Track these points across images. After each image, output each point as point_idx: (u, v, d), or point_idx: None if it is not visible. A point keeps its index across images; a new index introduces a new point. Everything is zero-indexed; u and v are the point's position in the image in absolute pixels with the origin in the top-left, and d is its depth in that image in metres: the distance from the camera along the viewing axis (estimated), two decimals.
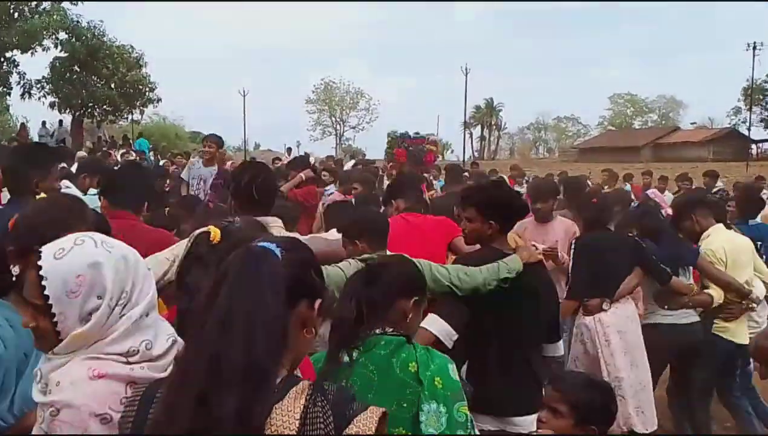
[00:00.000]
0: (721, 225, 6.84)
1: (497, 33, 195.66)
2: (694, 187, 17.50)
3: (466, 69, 69.46)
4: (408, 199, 6.23)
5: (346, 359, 2.91)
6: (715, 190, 16.89)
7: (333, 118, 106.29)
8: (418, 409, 2.79)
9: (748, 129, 65.71)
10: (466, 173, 15.93)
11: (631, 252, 6.17)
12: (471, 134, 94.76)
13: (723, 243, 6.55)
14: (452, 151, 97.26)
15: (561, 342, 5.03)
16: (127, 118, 48.93)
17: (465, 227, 4.84)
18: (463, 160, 55.63)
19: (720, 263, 6.45)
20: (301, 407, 1.88)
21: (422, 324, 4.27)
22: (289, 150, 39.11)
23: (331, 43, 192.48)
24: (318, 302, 2.12)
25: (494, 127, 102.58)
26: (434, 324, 4.29)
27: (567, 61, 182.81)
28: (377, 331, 2.95)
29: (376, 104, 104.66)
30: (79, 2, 38.83)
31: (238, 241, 2.73)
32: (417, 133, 22.39)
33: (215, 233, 3.15)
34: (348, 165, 21.97)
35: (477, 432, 3.11)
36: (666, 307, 6.32)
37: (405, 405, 2.82)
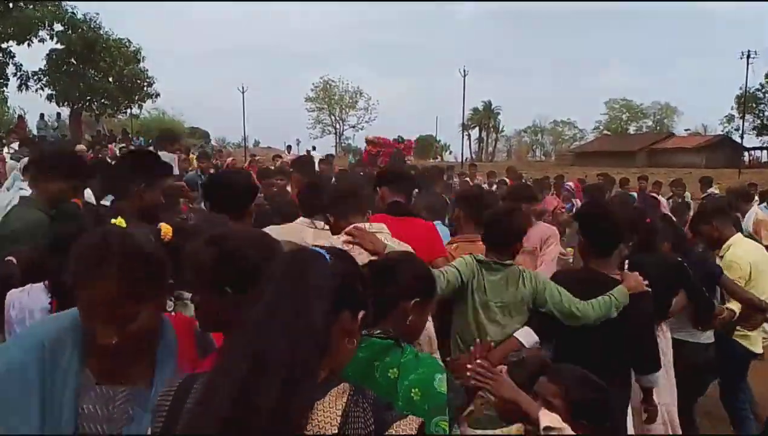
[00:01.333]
0: (740, 234, 6.90)
1: (496, 36, 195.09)
2: (687, 192, 17.77)
3: (464, 71, 69.52)
4: (393, 190, 5.90)
5: None
6: (706, 195, 17.17)
7: (332, 117, 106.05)
8: None
9: (741, 136, 65.74)
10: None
11: (675, 275, 5.97)
12: (469, 136, 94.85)
13: (747, 254, 6.59)
14: (450, 153, 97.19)
15: (657, 375, 4.99)
16: (125, 112, 48.28)
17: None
18: (462, 162, 55.69)
19: (742, 272, 6.50)
20: (343, 405, 1.90)
21: (516, 335, 4.59)
22: (289, 148, 38.81)
23: (331, 43, 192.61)
24: (361, 313, 2.11)
25: (492, 129, 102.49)
26: (527, 337, 4.57)
27: (564, 65, 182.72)
28: (365, 332, 2.67)
29: (375, 104, 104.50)
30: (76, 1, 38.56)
31: (191, 237, 2.90)
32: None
33: (166, 230, 3.15)
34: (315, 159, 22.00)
35: None
36: (700, 328, 6.29)
37: None
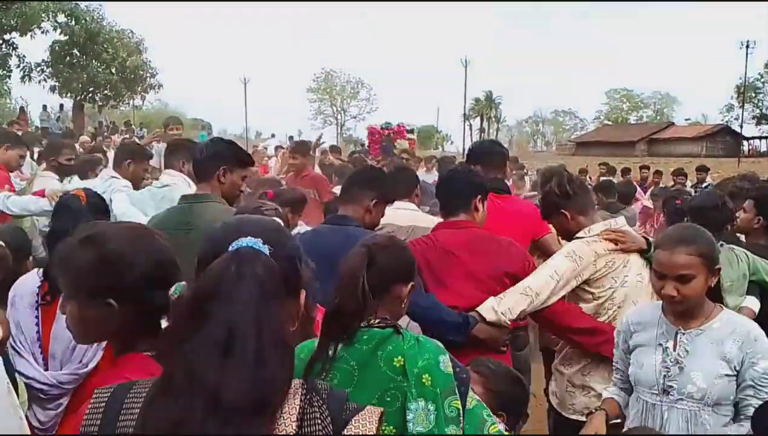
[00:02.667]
0: None
1: (497, 24, 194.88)
2: (688, 182, 17.62)
3: (465, 61, 69.37)
4: (488, 168, 5.67)
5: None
6: (705, 184, 17.03)
7: (334, 108, 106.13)
8: (404, 405, 2.56)
9: (740, 126, 65.67)
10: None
11: None
12: (471, 126, 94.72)
13: None
14: (452, 143, 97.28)
15: None
16: (128, 103, 47.66)
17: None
18: (463, 152, 55.49)
19: None
20: (297, 407, 1.73)
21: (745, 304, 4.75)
22: (291, 138, 38.58)
23: (332, 32, 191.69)
24: (303, 293, 1.94)
25: (493, 119, 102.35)
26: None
27: (566, 54, 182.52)
28: (363, 324, 2.66)
29: (376, 95, 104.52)
30: None
31: None
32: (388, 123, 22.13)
33: (82, 195, 3.38)
34: (270, 147, 21.53)
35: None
36: None
37: (389, 399, 2.58)
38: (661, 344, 3.46)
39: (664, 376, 3.41)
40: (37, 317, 3.28)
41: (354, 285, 2.66)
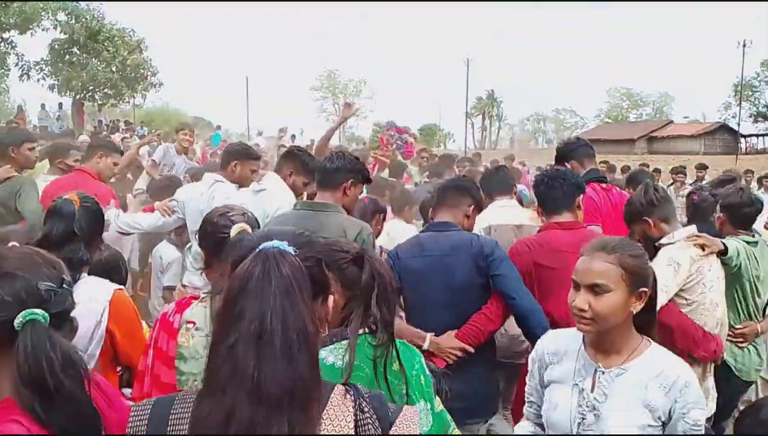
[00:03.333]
0: None
1: (498, 24, 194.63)
2: (688, 179, 17.56)
3: (467, 60, 69.27)
4: (581, 160, 6.00)
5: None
6: (704, 182, 16.95)
7: (336, 106, 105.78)
8: None
9: (738, 124, 65.54)
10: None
11: None
12: (473, 124, 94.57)
13: None
14: (454, 141, 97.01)
15: None
16: (128, 102, 46.65)
17: None
18: (465, 150, 55.51)
19: None
20: (352, 414, 1.83)
21: None
22: (293, 137, 38.10)
23: (334, 31, 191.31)
24: (331, 298, 1.99)
25: (495, 118, 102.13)
26: None
27: (566, 53, 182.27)
28: (360, 331, 2.60)
29: (378, 93, 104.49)
30: None
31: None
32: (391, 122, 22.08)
33: (76, 199, 3.34)
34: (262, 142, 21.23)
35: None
36: None
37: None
38: (577, 384, 2.99)
39: (578, 424, 2.95)
40: None
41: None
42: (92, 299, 3.29)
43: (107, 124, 34.72)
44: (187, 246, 6.17)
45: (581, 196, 4.70)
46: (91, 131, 31.49)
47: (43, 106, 34.32)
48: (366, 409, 1.85)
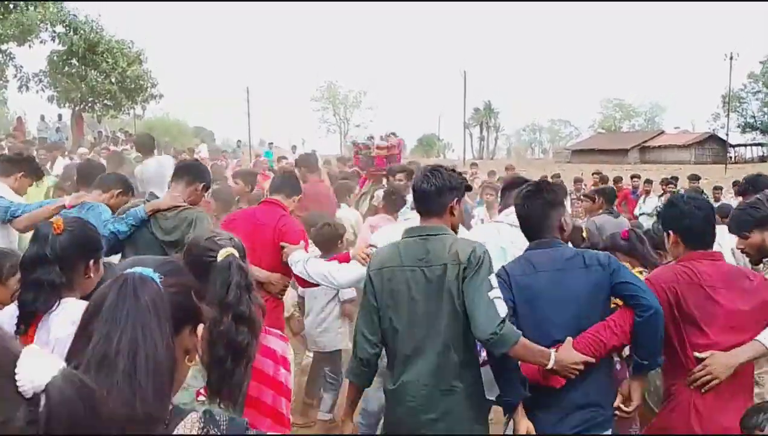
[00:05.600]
0: None
1: (495, 37, 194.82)
2: (682, 189, 17.44)
3: (464, 72, 69.23)
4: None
5: None
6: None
7: (337, 117, 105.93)
8: None
9: (727, 134, 65.52)
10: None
11: None
12: (471, 135, 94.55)
13: None
14: (453, 151, 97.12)
15: None
16: (128, 113, 45.93)
17: None
18: (464, 160, 55.51)
19: None
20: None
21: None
22: (294, 148, 37.80)
23: (336, 42, 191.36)
24: (200, 327, 1.91)
25: (492, 128, 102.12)
26: None
27: (561, 66, 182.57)
28: None
29: (378, 105, 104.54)
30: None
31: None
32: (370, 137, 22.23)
33: (57, 223, 3.19)
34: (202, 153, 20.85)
35: None
36: None
37: None
38: None
39: None
40: None
41: None
42: (74, 322, 3.11)
43: (107, 136, 34.36)
44: None
45: None
46: (91, 142, 31.30)
47: (42, 117, 33.95)
48: (213, 432, 1.76)
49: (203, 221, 5.42)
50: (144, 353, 1.62)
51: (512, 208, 4.95)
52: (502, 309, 3.64)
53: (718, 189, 18.39)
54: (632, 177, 19.75)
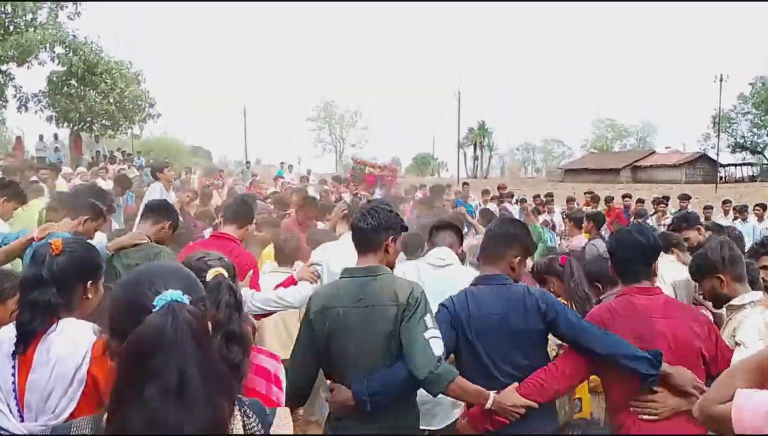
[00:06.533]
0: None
1: (489, 56, 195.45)
2: (671, 209, 17.52)
3: (458, 93, 69.44)
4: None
5: None
6: (688, 212, 16.90)
7: (333, 136, 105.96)
8: None
9: (717, 154, 65.77)
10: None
11: None
12: (465, 154, 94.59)
13: None
14: (447, 170, 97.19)
15: None
16: (126, 133, 45.99)
17: None
18: (458, 179, 55.57)
19: None
20: (240, 421, 2.00)
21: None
22: (290, 167, 37.66)
23: (331, 63, 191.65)
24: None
25: (486, 147, 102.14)
26: None
27: (554, 86, 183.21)
28: None
29: (373, 125, 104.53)
30: (76, 17, 36.32)
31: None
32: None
33: (56, 244, 3.19)
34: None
35: None
36: None
37: None
38: None
39: None
40: (13, 366, 3.02)
41: None
42: (74, 341, 3.13)
43: (105, 155, 34.21)
44: None
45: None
46: (89, 162, 31.25)
47: (41, 137, 33.75)
48: (250, 414, 2.05)
49: (165, 257, 5.48)
50: (211, 373, 1.77)
51: (438, 249, 5.38)
52: (438, 349, 3.67)
53: (708, 208, 18.47)
54: (624, 196, 19.81)
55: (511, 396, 3.79)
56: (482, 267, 4.26)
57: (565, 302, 4.81)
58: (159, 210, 6.00)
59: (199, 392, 1.71)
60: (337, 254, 5.23)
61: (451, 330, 3.93)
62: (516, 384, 3.84)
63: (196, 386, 1.71)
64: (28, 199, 7.14)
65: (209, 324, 1.93)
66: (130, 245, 5.61)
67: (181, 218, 6.92)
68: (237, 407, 2.00)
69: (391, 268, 4.17)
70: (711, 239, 5.90)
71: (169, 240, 5.98)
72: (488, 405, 3.77)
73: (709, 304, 4.79)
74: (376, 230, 4.05)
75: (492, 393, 3.77)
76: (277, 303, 5.10)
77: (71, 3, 36.26)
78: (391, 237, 4.08)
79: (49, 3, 35.57)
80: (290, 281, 5.31)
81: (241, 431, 1.97)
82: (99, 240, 5.96)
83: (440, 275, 5.16)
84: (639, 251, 4.07)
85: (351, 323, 3.89)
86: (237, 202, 6.64)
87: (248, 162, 48.28)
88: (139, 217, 6.82)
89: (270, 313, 5.28)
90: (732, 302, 4.35)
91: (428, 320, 3.75)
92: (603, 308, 4.13)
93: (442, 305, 4.09)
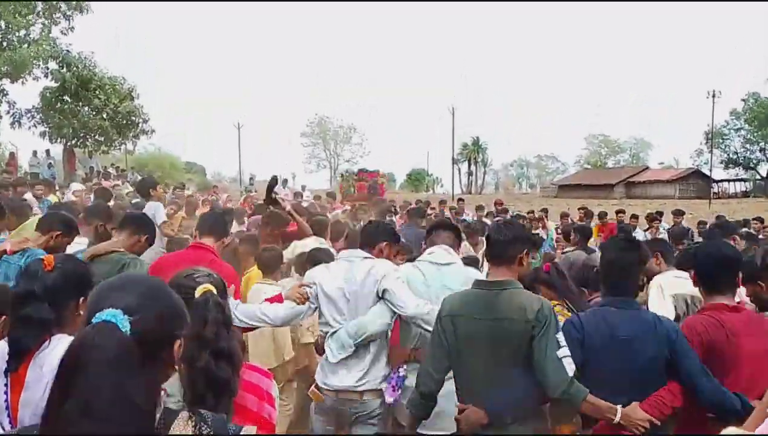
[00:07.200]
0: None
1: (483, 73, 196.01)
2: (664, 224, 17.54)
3: (452, 108, 69.56)
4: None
5: None
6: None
7: (327, 152, 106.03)
8: None
9: (710, 170, 65.98)
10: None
11: None
12: (459, 170, 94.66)
13: None
14: (442, 186, 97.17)
15: None
16: (119, 148, 45.55)
17: None
18: (452, 195, 55.61)
19: None
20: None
21: None
22: (285, 182, 37.45)
23: (325, 79, 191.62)
24: (177, 343, 2.03)
25: (480, 163, 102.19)
26: None
27: (548, 102, 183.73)
28: None
29: (368, 139, 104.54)
30: (70, 32, 36.31)
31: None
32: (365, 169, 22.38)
33: (48, 260, 3.19)
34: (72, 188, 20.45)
35: None
36: None
37: None
38: None
39: None
40: (6, 384, 3.01)
41: None
42: None
43: (98, 171, 34.00)
44: None
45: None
46: (83, 177, 31.13)
47: (35, 153, 33.67)
48: (205, 431, 1.99)
49: (136, 266, 5.48)
50: (125, 398, 1.75)
51: (436, 248, 5.44)
52: (571, 369, 3.82)
53: (702, 224, 18.49)
54: (618, 212, 19.85)
55: (636, 411, 3.90)
56: (492, 270, 4.32)
57: (560, 303, 5.18)
58: (137, 222, 6.04)
59: (112, 411, 1.72)
60: (331, 275, 5.24)
61: (579, 349, 4.03)
62: (637, 403, 3.95)
63: (108, 405, 1.71)
64: (12, 213, 7.07)
65: (166, 344, 1.99)
66: (105, 253, 5.60)
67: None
68: (192, 422, 1.99)
69: (523, 281, 4.36)
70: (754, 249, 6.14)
71: (144, 251, 5.98)
72: (617, 420, 3.88)
73: None
74: (513, 243, 4.19)
75: (619, 408, 3.89)
76: (260, 319, 5.09)
77: (64, 19, 36.22)
78: (525, 250, 4.23)
79: (42, 19, 35.53)
80: (278, 299, 5.31)
81: None
82: (78, 248, 6.06)
83: (444, 273, 5.23)
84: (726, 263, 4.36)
85: (479, 334, 4.05)
86: (212, 216, 6.67)
87: (252, 177, 48.29)
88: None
89: (253, 327, 5.26)
90: None
91: (560, 338, 3.87)
92: (710, 326, 4.22)
93: (569, 322, 4.22)
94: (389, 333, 5.23)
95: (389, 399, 5.00)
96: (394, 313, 5.05)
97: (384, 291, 5.01)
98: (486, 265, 5.44)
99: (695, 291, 4.83)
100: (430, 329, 4.59)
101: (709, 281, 4.39)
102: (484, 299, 4.09)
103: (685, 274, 5.61)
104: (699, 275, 4.45)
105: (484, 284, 4.22)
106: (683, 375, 4.00)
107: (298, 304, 5.19)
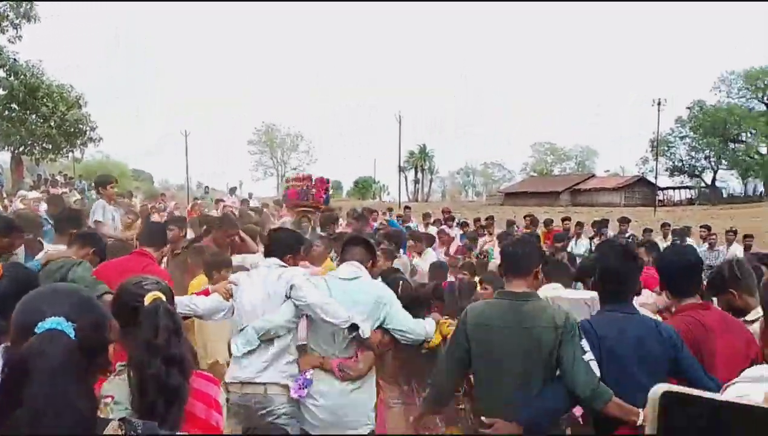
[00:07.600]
0: None
1: (430, 81, 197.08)
2: (609, 232, 17.77)
3: (399, 116, 69.81)
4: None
5: None
6: (627, 235, 17.18)
7: (274, 160, 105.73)
8: None
9: (655, 177, 67.12)
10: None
11: None
12: (406, 178, 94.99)
13: None
14: (388, 193, 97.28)
15: None
16: (67, 156, 45.83)
17: None
18: (399, 203, 55.76)
19: None
20: None
21: None
22: (233, 190, 37.24)
23: (273, 86, 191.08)
24: (111, 347, 2.13)
25: (427, 171, 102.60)
26: None
27: (494, 110, 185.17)
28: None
29: (315, 147, 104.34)
30: (18, 41, 36.26)
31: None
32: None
33: None
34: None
35: None
36: None
37: None
38: None
39: None
40: None
41: None
42: None
43: (46, 179, 33.64)
44: None
45: None
46: (30, 185, 30.78)
47: None
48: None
49: (75, 271, 5.54)
50: (70, 405, 1.81)
51: (344, 264, 5.69)
52: (597, 370, 4.03)
53: (647, 231, 18.78)
54: (563, 220, 20.06)
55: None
56: (510, 281, 4.48)
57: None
58: (87, 237, 6.24)
59: (59, 419, 1.77)
60: (251, 280, 5.58)
61: (597, 351, 4.16)
62: None
63: (55, 413, 1.77)
64: None
65: (103, 350, 2.10)
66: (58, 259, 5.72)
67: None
68: (123, 430, 2.00)
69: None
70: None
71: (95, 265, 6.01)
72: (640, 421, 3.98)
73: None
74: (530, 257, 4.44)
75: (641, 410, 3.97)
76: (188, 308, 5.33)
77: (12, 27, 35.86)
78: (540, 264, 4.56)
79: None
80: (205, 293, 5.61)
81: None
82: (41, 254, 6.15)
83: (348, 288, 5.41)
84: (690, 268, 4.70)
85: (509, 343, 4.18)
86: (150, 228, 7.27)
87: (207, 187, 48.03)
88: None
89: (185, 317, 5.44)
90: (746, 318, 4.65)
91: (585, 344, 4.08)
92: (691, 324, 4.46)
93: (581, 327, 4.31)
94: (298, 333, 5.45)
95: (294, 395, 5.15)
96: (299, 310, 5.26)
97: (291, 288, 5.24)
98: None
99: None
100: (328, 319, 5.03)
101: (676, 286, 4.70)
102: (512, 309, 4.25)
103: (559, 285, 6.16)
104: (665, 281, 4.77)
105: (509, 295, 4.37)
106: (689, 375, 4.14)
107: (223, 299, 5.49)
